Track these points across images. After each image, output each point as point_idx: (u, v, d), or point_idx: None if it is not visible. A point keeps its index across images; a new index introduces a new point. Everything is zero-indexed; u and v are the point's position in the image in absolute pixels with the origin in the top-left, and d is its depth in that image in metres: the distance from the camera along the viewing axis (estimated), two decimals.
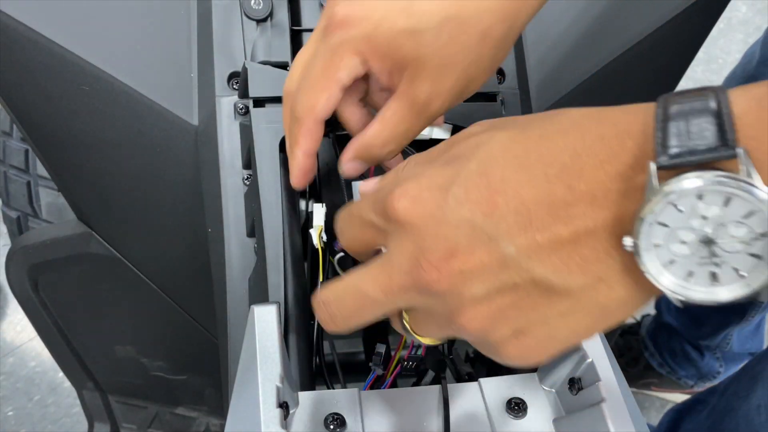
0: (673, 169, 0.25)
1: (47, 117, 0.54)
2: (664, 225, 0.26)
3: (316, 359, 0.45)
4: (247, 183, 0.50)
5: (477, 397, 0.39)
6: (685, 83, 1.59)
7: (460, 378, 0.45)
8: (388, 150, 0.40)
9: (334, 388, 0.45)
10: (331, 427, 0.36)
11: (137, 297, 0.66)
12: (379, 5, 0.36)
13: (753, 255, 0.25)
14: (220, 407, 0.83)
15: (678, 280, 0.27)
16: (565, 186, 0.28)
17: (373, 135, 0.39)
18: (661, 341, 1.19)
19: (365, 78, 0.40)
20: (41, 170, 0.86)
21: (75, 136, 0.55)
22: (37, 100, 0.54)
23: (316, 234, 0.44)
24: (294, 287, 0.43)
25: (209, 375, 0.77)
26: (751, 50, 0.93)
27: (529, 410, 0.38)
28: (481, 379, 0.40)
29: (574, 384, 0.37)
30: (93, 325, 0.74)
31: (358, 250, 0.35)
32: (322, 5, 0.52)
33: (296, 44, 0.52)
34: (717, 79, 1.53)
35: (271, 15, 0.52)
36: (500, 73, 0.54)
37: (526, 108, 0.54)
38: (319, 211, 0.45)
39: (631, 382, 1.24)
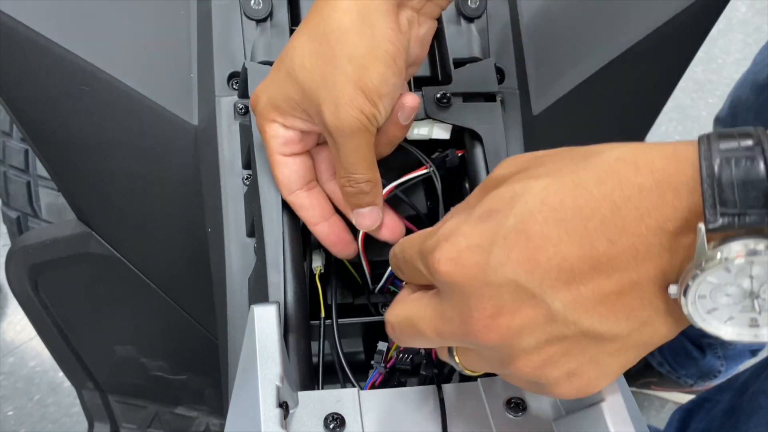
0: (722, 231, 0.26)
1: (47, 117, 0.54)
2: (712, 282, 0.27)
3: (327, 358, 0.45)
4: (247, 183, 0.50)
5: (477, 397, 0.39)
6: (685, 83, 1.59)
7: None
8: (362, 183, 0.41)
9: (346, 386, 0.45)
10: (331, 426, 0.36)
11: (137, 297, 0.66)
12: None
13: None
14: (220, 407, 0.83)
15: (719, 323, 0.28)
16: (607, 240, 0.28)
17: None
18: None
19: None
20: (41, 170, 0.86)
21: (75, 137, 0.55)
22: (37, 100, 0.54)
23: (317, 276, 0.46)
24: (294, 287, 0.43)
25: (209, 375, 0.77)
26: (760, 56, 0.92)
27: (528, 410, 0.38)
28: (481, 379, 0.40)
29: None
30: (93, 325, 0.74)
31: (418, 284, 0.36)
32: None
33: None
34: (717, 79, 1.53)
35: (270, 15, 0.52)
36: (500, 72, 0.54)
37: (526, 107, 0.54)
38: (318, 256, 0.47)
39: (630, 381, 1.23)
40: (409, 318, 0.34)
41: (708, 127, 1.37)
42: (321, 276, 0.47)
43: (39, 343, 0.96)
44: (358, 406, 0.37)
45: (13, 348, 1.21)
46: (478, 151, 0.49)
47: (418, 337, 0.34)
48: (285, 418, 0.34)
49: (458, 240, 0.31)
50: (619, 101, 0.60)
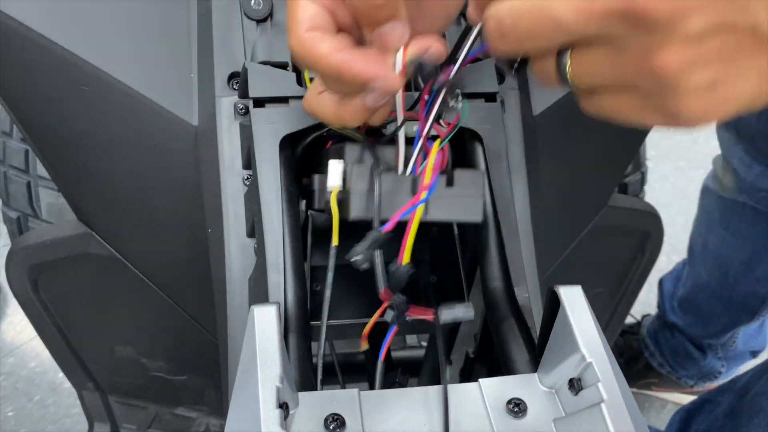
0: None
1: (47, 117, 0.54)
2: None
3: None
4: (247, 183, 0.50)
5: (477, 398, 0.39)
6: None
7: None
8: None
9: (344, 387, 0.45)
10: (331, 427, 0.36)
11: (137, 297, 0.66)
12: None
13: None
14: (220, 407, 0.83)
15: None
16: None
17: None
18: (663, 340, 1.19)
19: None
20: (41, 170, 0.86)
21: (75, 137, 0.55)
22: (37, 100, 0.54)
23: (333, 197, 0.40)
24: (294, 287, 0.43)
25: (209, 375, 0.77)
26: None
27: (529, 410, 0.38)
28: (481, 379, 0.40)
29: (574, 384, 0.37)
30: (93, 326, 0.74)
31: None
32: None
33: None
34: None
35: (271, 15, 0.52)
36: (500, 73, 0.54)
37: (526, 108, 0.54)
38: (336, 169, 0.40)
39: (630, 381, 1.24)
40: (538, 3, 0.29)
41: (709, 124, 1.36)
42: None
43: (39, 344, 0.96)
44: (359, 406, 0.37)
45: (13, 348, 1.22)
46: (479, 151, 0.48)
47: (545, 24, 0.29)
48: (285, 419, 0.34)
49: None
50: None
